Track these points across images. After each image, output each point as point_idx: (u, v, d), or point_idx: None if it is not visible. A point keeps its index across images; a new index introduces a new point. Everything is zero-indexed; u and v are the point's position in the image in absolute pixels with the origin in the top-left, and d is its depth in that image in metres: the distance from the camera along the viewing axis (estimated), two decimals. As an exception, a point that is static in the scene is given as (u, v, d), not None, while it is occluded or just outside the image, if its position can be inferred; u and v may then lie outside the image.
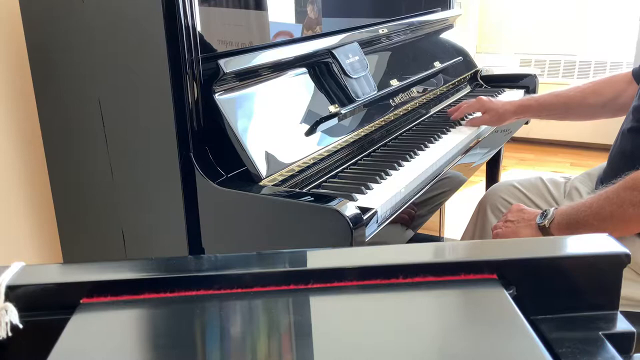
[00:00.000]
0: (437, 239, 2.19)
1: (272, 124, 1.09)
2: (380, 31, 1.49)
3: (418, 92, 1.58)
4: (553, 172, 3.17)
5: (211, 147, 1.02)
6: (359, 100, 1.28)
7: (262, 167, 1.00)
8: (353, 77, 1.30)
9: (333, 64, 1.28)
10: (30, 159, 1.27)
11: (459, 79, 1.84)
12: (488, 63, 3.66)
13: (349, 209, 0.89)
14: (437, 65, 1.68)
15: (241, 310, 0.46)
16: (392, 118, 1.44)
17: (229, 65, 1.01)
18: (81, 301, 0.47)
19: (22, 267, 0.49)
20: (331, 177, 1.15)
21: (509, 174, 3.14)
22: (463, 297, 0.48)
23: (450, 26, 1.95)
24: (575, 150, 3.61)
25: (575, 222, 1.06)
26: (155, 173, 1.05)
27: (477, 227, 1.49)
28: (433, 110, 1.64)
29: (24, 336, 0.46)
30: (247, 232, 0.99)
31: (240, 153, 1.00)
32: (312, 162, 1.12)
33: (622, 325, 0.48)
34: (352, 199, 1.01)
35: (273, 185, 1.01)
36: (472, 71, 1.93)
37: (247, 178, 1.00)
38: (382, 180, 1.11)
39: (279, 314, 0.46)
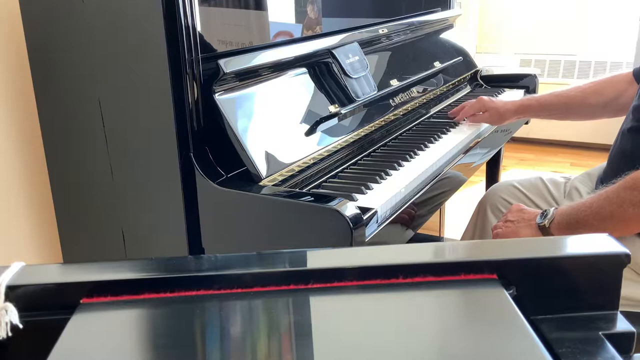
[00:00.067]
0: (437, 239, 2.19)
1: (272, 124, 1.09)
2: (380, 31, 1.49)
3: (418, 92, 1.58)
4: (553, 172, 3.17)
5: (211, 147, 1.02)
6: (359, 100, 1.28)
7: (262, 167, 1.00)
8: (353, 77, 1.30)
9: (333, 64, 1.28)
10: (30, 159, 1.27)
11: (459, 79, 1.84)
12: (488, 63, 3.66)
13: (349, 209, 0.89)
14: (437, 65, 1.68)
15: (241, 310, 0.46)
16: (392, 118, 1.44)
17: (229, 65, 1.01)
18: (81, 301, 0.47)
19: (22, 267, 0.49)
20: (331, 177, 1.15)
21: (509, 174, 3.14)
22: (463, 297, 0.48)
23: (450, 26, 1.95)
24: (575, 150, 3.61)
25: (575, 222, 1.06)
26: (155, 173, 1.05)
27: (477, 227, 1.49)
28: (433, 110, 1.64)
29: (24, 336, 0.46)
30: (247, 232, 0.99)
31: (240, 153, 1.00)
32: (312, 162, 1.12)
33: (622, 325, 0.48)
34: (352, 199, 1.01)
35: (273, 185, 1.01)
36: (472, 71, 1.93)
37: (247, 178, 1.00)
38: (382, 180, 1.11)
39: (279, 314, 0.46)
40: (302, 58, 1.20)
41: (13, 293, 0.47)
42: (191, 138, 1.00)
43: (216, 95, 1.00)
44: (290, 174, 1.07)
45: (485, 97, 1.53)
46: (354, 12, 1.48)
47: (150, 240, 1.13)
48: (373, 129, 1.35)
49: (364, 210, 0.95)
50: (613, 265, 0.49)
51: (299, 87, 1.19)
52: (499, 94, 1.83)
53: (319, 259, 0.53)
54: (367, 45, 1.43)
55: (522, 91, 1.90)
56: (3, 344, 0.46)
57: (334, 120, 1.21)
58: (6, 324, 0.45)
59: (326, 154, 1.17)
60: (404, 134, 1.44)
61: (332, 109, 1.21)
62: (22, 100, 1.24)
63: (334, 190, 1.08)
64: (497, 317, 0.45)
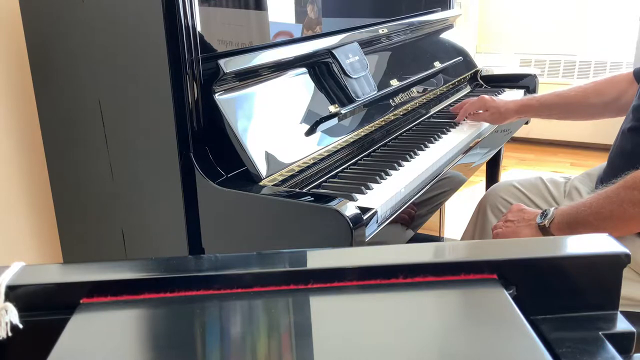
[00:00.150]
0: (437, 239, 2.19)
1: (272, 124, 1.09)
2: (380, 31, 1.49)
3: (418, 92, 1.58)
4: (553, 172, 3.17)
5: (211, 147, 1.02)
6: (359, 100, 1.28)
7: (262, 167, 1.00)
8: (353, 77, 1.30)
9: (333, 64, 1.28)
10: (30, 159, 1.27)
11: (459, 79, 1.84)
12: (488, 63, 3.65)
13: (349, 209, 0.89)
14: (437, 65, 1.68)
15: (241, 310, 0.46)
16: (392, 118, 1.44)
17: (229, 65, 1.01)
18: (81, 301, 0.47)
19: (22, 267, 0.49)
20: (331, 177, 1.15)
21: (509, 174, 3.14)
22: (463, 297, 0.48)
23: (450, 26, 1.95)
24: (575, 150, 3.61)
25: (575, 222, 1.06)
26: (155, 173, 1.05)
27: (477, 227, 1.49)
28: (433, 110, 1.64)
29: (24, 336, 0.46)
30: (247, 232, 0.99)
31: (240, 153, 1.00)
32: (312, 162, 1.12)
33: (622, 325, 0.48)
34: (352, 199, 1.01)
35: (273, 185, 1.01)
36: (472, 71, 1.93)
37: (247, 178, 1.00)
38: (382, 180, 1.11)
39: (279, 314, 0.46)
40: (302, 58, 1.20)
41: (13, 293, 0.47)
42: (191, 138, 1.00)
43: (216, 95, 1.00)
44: (290, 174, 1.07)
45: (486, 96, 1.54)
46: (354, 12, 1.48)
47: (150, 240, 1.13)
48: (373, 129, 1.35)
49: (364, 210, 0.95)
50: (613, 265, 0.49)
51: (299, 87, 1.19)
52: (499, 93, 1.83)
53: (319, 259, 0.53)
54: (367, 45, 1.43)
55: (522, 91, 1.90)
56: (3, 344, 0.46)
57: (334, 120, 1.21)
58: (6, 324, 0.45)
59: (326, 154, 1.17)
60: (404, 134, 1.44)
61: (332, 109, 1.21)
62: (22, 100, 1.24)
63: (334, 190, 1.08)
64: (497, 317, 0.45)
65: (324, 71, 1.26)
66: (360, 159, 1.25)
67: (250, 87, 1.08)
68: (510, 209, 1.20)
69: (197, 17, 0.96)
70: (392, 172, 1.16)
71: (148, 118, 1.02)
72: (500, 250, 0.52)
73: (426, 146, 1.33)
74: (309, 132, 1.13)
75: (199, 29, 0.97)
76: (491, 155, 1.73)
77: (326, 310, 0.47)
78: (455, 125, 1.51)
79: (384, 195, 1.05)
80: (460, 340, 0.43)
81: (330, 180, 1.13)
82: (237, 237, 1.00)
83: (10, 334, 0.45)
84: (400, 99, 1.48)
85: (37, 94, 1.16)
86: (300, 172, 1.10)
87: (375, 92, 1.35)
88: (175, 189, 1.02)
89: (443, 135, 1.42)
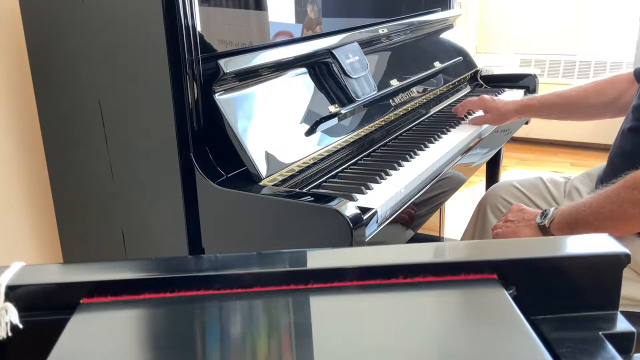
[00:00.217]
0: (437, 239, 2.19)
1: (272, 124, 1.09)
2: (380, 31, 1.49)
3: (418, 92, 1.58)
4: (553, 172, 3.17)
5: (211, 147, 1.02)
6: (359, 100, 1.28)
7: (262, 167, 1.00)
8: (353, 77, 1.30)
9: (333, 64, 1.28)
10: (30, 159, 1.27)
11: (459, 79, 1.84)
12: (488, 63, 3.66)
13: (349, 209, 0.89)
14: (437, 65, 1.68)
15: (241, 310, 0.46)
16: (392, 118, 1.44)
17: (229, 65, 1.01)
18: (81, 301, 0.47)
19: (22, 267, 0.49)
20: (331, 177, 1.15)
21: (509, 174, 3.14)
22: (463, 297, 0.48)
23: (450, 26, 1.95)
24: (575, 150, 3.61)
25: (575, 222, 1.06)
26: (155, 173, 1.05)
27: (477, 227, 1.49)
28: (433, 110, 1.64)
29: (24, 336, 0.46)
30: (247, 232, 0.99)
31: (240, 153, 1.00)
32: (312, 162, 1.12)
33: (622, 325, 0.48)
34: (352, 199, 1.01)
35: (273, 185, 1.01)
36: (472, 71, 1.93)
37: (247, 178, 1.00)
38: (382, 180, 1.11)
39: (279, 314, 0.46)
40: (302, 58, 1.20)
41: (13, 293, 0.47)
42: (191, 138, 1.00)
43: (216, 95, 1.00)
44: (290, 174, 1.07)
45: (486, 96, 1.54)
46: (354, 12, 1.48)
47: (150, 240, 1.13)
48: (373, 129, 1.35)
49: (364, 210, 0.95)
50: (613, 265, 0.49)
51: (299, 87, 1.19)
52: (499, 93, 1.83)
53: (319, 259, 0.53)
54: (367, 45, 1.43)
55: (522, 91, 1.90)
56: (3, 344, 0.46)
57: (334, 120, 1.21)
58: (6, 324, 0.45)
59: (326, 154, 1.17)
60: (404, 134, 1.44)
61: (332, 109, 1.21)
62: (22, 100, 1.24)
63: (334, 190, 1.08)
64: (497, 317, 0.45)
65: (324, 71, 1.26)
66: (360, 159, 1.25)
67: (250, 87, 1.08)
68: (510, 209, 1.20)
69: (197, 17, 0.96)
70: (392, 172, 1.16)
71: (148, 118, 1.02)
72: (500, 250, 0.52)
73: (426, 146, 1.33)
74: (309, 132, 1.13)
75: (199, 29, 0.97)
76: (491, 155, 1.73)
77: (326, 310, 0.47)
78: (455, 125, 1.51)
79: (384, 195, 1.05)
80: (460, 340, 0.43)
81: (330, 180, 1.13)
82: (237, 237, 1.00)
83: (10, 334, 0.45)
84: (400, 99, 1.48)
85: (37, 94, 1.16)
86: (300, 172, 1.10)
87: (375, 92, 1.35)
88: (175, 189, 1.02)
89: (443, 135, 1.42)
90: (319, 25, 1.30)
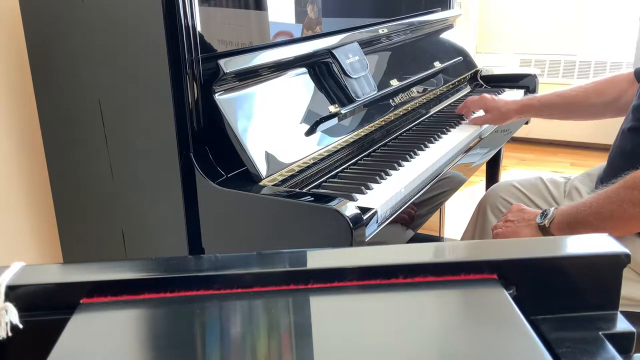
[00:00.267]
0: (437, 239, 2.19)
1: (272, 124, 1.09)
2: (380, 31, 1.49)
3: (418, 92, 1.58)
4: (553, 172, 3.17)
5: (211, 147, 1.02)
6: (359, 100, 1.28)
7: (262, 167, 1.00)
8: (353, 77, 1.30)
9: (333, 64, 1.28)
10: (30, 159, 1.27)
11: (459, 79, 1.84)
12: (488, 63, 3.66)
13: (349, 209, 0.89)
14: (437, 65, 1.68)
15: (241, 310, 0.46)
16: (392, 118, 1.44)
17: (229, 65, 1.01)
18: (81, 301, 0.47)
19: (22, 267, 0.49)
20: (331, 177, 1.15)
21: (509, 174, 3.14)
22: (463, 297, 0.48)
23: (450, 26, 1.95)
24: (575, 150, 3.61)
25: (575, 222, 1.06)
26: (155, 173, 1.05)
27: (477, 227, 1.49)
28: (433, 110, 1.64)
29: (24, 336, 0.46)
30: (247, 232, 0.99)
31: (240, 153, 1.00)
32: (312, 162, 1.12)
33: (622, 325, 0.48)
34: (352, 199, 1.01)
35: (273, 185, 1.01)
36: (472, 71, 1.93)
37: (247, 178, 1.00)
38: (382, 180, 1.11)
39: (279, 314, 0.46)
40: (302, 58, 1.20)
41: (13, 293, 0.47)
42: (191, 138, 1.00)
43: (216, 95, 1.00)
44: (290, 174, 1.07)
45: (487, 95, 1.54)
46: (354, 12, 1.48)
47: (150, 240, 1.13)
48: (373, 129, 1.35)
49: (364, 210, 0.95)
50: (613, 265, 0.49)
51: (299, 87, 1.19)
52: (499, 93, 1.83)
53: (319, 259, 0.53)
54: (367, 45, 1.43)
55: (522, 91, 1.90)
56: (3, 344, 0.46)
57: (334, 120, 1.21)
58: (6, 324, 0.45)
59: (326, 154, 1.17)
60: (404, 134, 1.44)
61: (332, 109, 1.21)
62: (22, 100, 1.24)
63: (334, 190, 1.08)
64: (497, 317, 0.45)
65: (324, 71, 1.26)
66: (360, 159, 1.25)
67: (250, 87, 1.08)
68: (510, 209, 1.20)
69: (197, 17, 0.96)
70: (392, 172, 1.16)
71: (148, 118, 1.02)
72: (500, 250, 0.52)
73: (426, 146, 1.33)
74: (309, 132, 1.13)
75: (199, 29, 0.97)
76: (491, 155, 1.73)
77: (326, 310, 0.47)
78: (455, 125, 1.51)
79: (384, 195, 1.05)
80: (460, 340, 0.43)
81: (330, 180, 1.13)
82: (237, 237, 1.00)
83: (10, 334, 0.45)
84: (400, 99, 1.48)
85: (37, 94, 1.16)
86: (300, 172, 1.10)
87: (375, 92, 1.35)
88: (175, 189, 1.02)
89: (443, 135, 1.42)
90: (319, 25, 1.30)
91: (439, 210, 2.08)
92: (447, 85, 1.76)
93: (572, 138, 3.64)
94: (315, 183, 1.11)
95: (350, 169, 1.20)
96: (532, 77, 1.93)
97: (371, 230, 0.97)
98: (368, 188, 1.07)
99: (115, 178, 1.11)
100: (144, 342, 0.44)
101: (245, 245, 1.00)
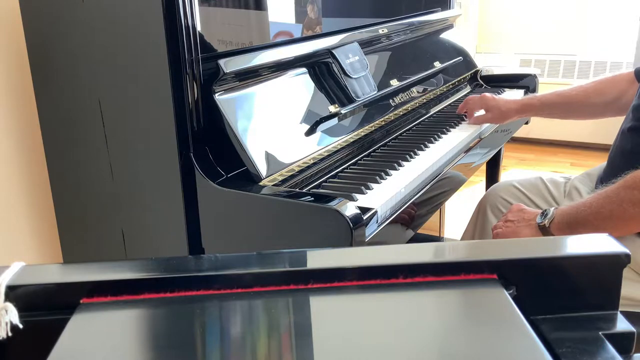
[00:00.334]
0: (437, 239, 2.19)
1: (272, 124, 1.09)
2: (380, 31, 1.49)
3: (418, 92, 1.58)
4: (553, 172, 3.17)
5: (211, 147, 1.02)
6: (359, 100, 1.28)
7: (262, 167, 1.00)
8: (353, 77, 1.30)
9: (333, 64, 1.28)
10: (30, 159, 1.27)
11: (459, 79, 1.84)
12: (488, 63, 3.65)
13: (349, 209, 0.89)
14: (437, 65, 1.68)
15: (241, 310, 0.46)
16: (392, 118, 1.44)
17: (229, 65, 1.01)
18: (81, 301, 0.47)
19: (22, 267, 0.49)
20: (331, 177, 1.15)
21: (509, 174, 3.14)
22: (463, 297, 0.48)
23: (450, 26, 1.95)
24: (575, 150, 3.61)
25: (575, 222, 1.06)
26: (155, 173, 1.05)
27: (477, 227, 1.49)
28: (433, 110, 1.64)
29: (24, 336, 0.46)
30: (247, 232, 0.99)
31: (240, 153, 1.00)
32: (312, 162, 1.12)
33: (622, 325, 0.48)
34: (352, 199, 1.01)
35: (273, 185, 1.01)
36: (472, 71, 1.93)
37: (247, 178, 1.00)
38: (382, 180, 1.11)
39: (279, 314, 0.46)
40: (302, 58, 1.20)
41: (13, 293, 0.47)
42: (191, 138, 1.00)
43: (216, 95, 1.00)
44: (290, 174, 1.07)
45: (488, 95, 1.54)
46: (354, 12, 1.48)
47: (150, 240, 1.13)
48: (373, 129, 1.35)
49: (364, 210, 0.95)
50: (613, 265, 0.49)
51: (299, 87, 1.19)
52: (499, 93, 1.83)
53: (319, 259, 0.53)
54: (367, 45, 1.43)
55: (522, 91, 1.90)
56: (3, 344, 0.46)
57: (334, 120, 1.21)
58: (6, 324, 0.45)
59: (326, 154, 1.17)
60: (404, 134, 1.44)
61: (332, 109, 1.21)
62: (22, 100, 1.24)
63: (334, 190, 1.08)
64: (497, 317, 0.45)
65: (324, 71, 1.26)
66: (360, 159, 1.25)
67: (250, 87, 1.08)
68: (510, 209, 1.20)
69: (197, 17, 0.96)
70: (392, 172, 1.16)
71: (148, 118, 1.02)
72: (500, 250, 0.52)
73: (426, 146, 1.33)
74: (309, 132, 1.13)
75: (199, 29, 0.97)
76: (491, 155, 1.73)
77: (326, 310, 0.47)
78: (455, 125, 1.51)
79: (384, 195, 1.05)
80: (460, 340, 0.43)
81: (330, 180, 1.13)
82: (237, 237, 1.00)
83: (10, 334, 0.45)
84: (400, 99, 1.48)
85: (37, 94, 1.16)
86: (300, 172, 1.10)
87: (375, 92, 1.35)
88: (175, 189, 1.02)
89: (443, 135, 1.42)
90: (319, 25, 1.30)
91: (439, 210, 2.08)
92: (447, 85, 1.76)
93: (572, 138, 3.64)
94: (315, 183, 1.11)
95: (350, 169, 1.20)
96: (532, 77, 1.93)
97: (371, 230, 0.97)
98: (368, 188, 1.07)
99: (115, 178, 1.11)
100: (144, 342, 0.44)
101: (245, 245, 1.00)
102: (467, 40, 3.53)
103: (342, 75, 1.28)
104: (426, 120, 1.57)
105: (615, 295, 0.49)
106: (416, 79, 1.54)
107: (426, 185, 1.17)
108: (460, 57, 1.85)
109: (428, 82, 1.65)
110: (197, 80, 0.98)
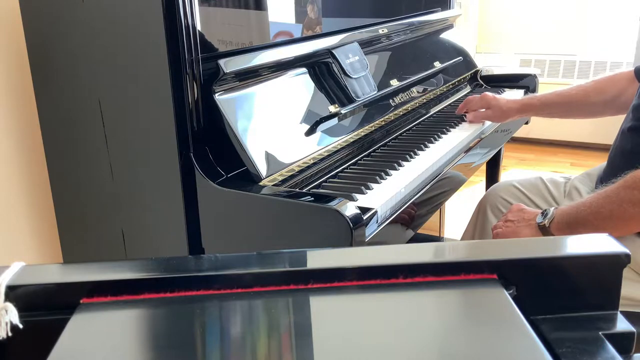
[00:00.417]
0: (437, 239, 2.19)
1: (272, 124, 1.09)
2: (380, 31, 1.49)
3: (418, 92, 1.58)
4: (553, 172, 3.17)
5: (211, 147, 1.02)
6: (359, 100, 1.28)
7: (262, 167, 1.00)
8: (353, 77, 1.30)
9: (333, 64, 1.28)
10: (30, 159, 1.27)
11: (459, 79, 1.84)
12: (488, 63, 3.65)
13: (349, 209, 0.89)
14: (437, 65, 1.68)
15: (241, 310, 0.46)
16: (392, 118, 1.44)
17: (229, 65, 1.01)
18: (81, 301, 0.47)
19: (22, 267, 0.49)
20: (331, 177, 1.15)
21: (509, 174, 3.14)
22: (463, 297, 0.48)
23: (450, 26, 1.95)
24: (575, 150, 3.61)
25: (575, 222, 1.06)
26: (155, 173, 1.05)
27: (477, 227, 1.49)
28: (433, 110, 1.64)
29: (24, 336, 0.46)
30: (247, 232, 0.99)
31: (240, 153, 1.00)
32: (312, 162, 1.12)
33: (622, 325, 0.48)
34: (352, 199, 1.01)
35: (273, 185, 1.01)
36: (472, 71, 1.93)
37: (247, 178, 1.00)
38: (382, 180, 1.11)
39: (279, 314, 0.46)
40: (302, 58, 1.20)
41: (13, 293, 0.47)
42: (191, 138, 1.00)
43: (216, 95, 1.00)
44: (290, 174, 1.07)
45: (489, 94, 1.54)
46: (354, 12, 1.48)
47: (150, 240, 1.13)
48: (373, 129, 1.35)
49: (364, 210, 0.95)
50: (613, 265, 0.49)
51: (299, 87, 1.19)
52: (499, 93, 1.83)
53: (319, 259, 0.53)
54: (367, 45, 1.43)
55: (522, 91, 1.90)
56: (3, 344, 0.46)
57: (334, 120, 1.21)
58: (6, 324, 0.45)
59: (326, 154, 1.17)
60: (404, 133, 1.44)
61: (332, 109, 1.21)
62: (22, 100, 1.24)
63: (334, 190, 1.08)
64: (497, 317, 0.45)
65: (324, 71, 1.26)
66: (360, 159, 1.25)
67: (250, 87, 1.08)
68: (510, 209, 1.20)
69: (197, 17, 0.96)
70: (392, 172, 1.16)
71: (148, 118, 1.02)
72: (500, 250, 0.52)
73: (426, 146, 1.33)
74: (309, 132, 1.13)
75: (199, 29, 0.97)
76: (491, 155, 1.73)
77: (326, 310, 0.47)
78: (455, 125, 1.51)
79: (384, 195, 1.05)
80: (460, 340, 0.43)
81: (330, 180, 1.13)
82: (237, 237, 1.00)
83: (10, 334, 0.45)
84: (400, 99, 1.48)
85: (37, 94, 1.16)
86: (300, 172, 1.10)
87: (375, 92, 1.35)
88: (175, 189, 1.02)
89: (443, 135, 1.42)
90: (319, 25, 1.30)
91: (439, 210, 2.08)
92: (447, 85, 1.76)
93: (572, 138, 3.64)
94: (315, 183, 1.11)
95: (350, 169, 1.20)
96: (532, 77, 1.93)
97: (371, 230, 0.97)
98: (368, 188, 1.07)
99: (115, 178, 1.11)
100: (144, 342, 0.44)
101: (245, 245, 1.00)
102: (467, 40, 3.53)
103: (342, 75, 1.28)
104: (426, 120, 1.57)
105: (615, 295, 0.49)
106: (416, 79, 1.54)
107: (426, 185, 1.17)
108: (460, 57, 1.85)
109: (428, 82, 1.65)
110: (197, 80, 0.98)
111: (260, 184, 0.99)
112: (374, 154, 1.29)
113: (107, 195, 1.14)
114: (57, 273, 0.52)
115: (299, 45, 1.20)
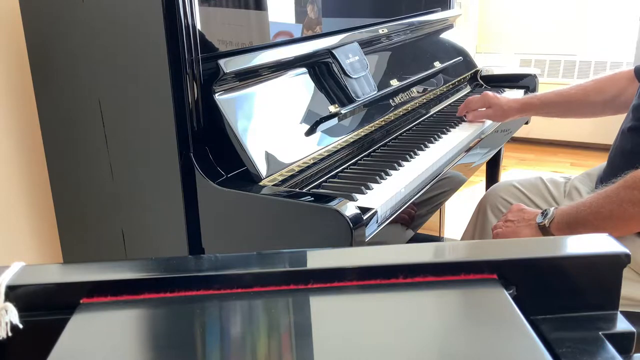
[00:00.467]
0: (437, 239, 2.19)
1: (272, 124, 1.09)
2: (380, 31, 1.49)
3: (418, 92, 1.58)
4: (553, 172, 3.17)
5: (211, 147, 1.02)
6: (359, 100, 1.28)
7: (262, 167, 1.00)
8: (353, 77, 1.30)
9: (333, 64, 1.28)
10: (30, 159, 1.27)
11: (459, 79, 1.84)
12: (488, 63, 3.65)
13: (349, 209, 0.89)
14: (437, 65, 1.68)
15: (241, 310, 0.46)
16: (392, 118, 1.44)
17: (229, 65, 1.01)
18: (81, 301, 0.47)
19: (22, 267, 0.49)
20: (331, 177, 1.15)
21: (509, 174, 3.14)
22: (463, 297, 0.48)
23: (450, 26, 1.95)
24: (575, 150, 3.61)
25: (575, 222, 1.06)
26: (155, 173, 1.05)
27: (477, 227, 1.49)
28: (433, 110, 1.64)
29: (24, 336, 0.46)
30: (247, 232, 0.99)
31: (240, 153, 1.00)
32: (312, 162, 1.12)
33: (622, 325, 0.48)
34: (352, 199, 1.01)
35: (273, 185, 1.01)
36: (472, 71, 1.93)
37: (247, 178, 1.00)
38: (382, 180, 1.11)
39: (279, 314, 0.46)
40: (302, 58, 1.20)
41: (13, 293, 0.47)
42: (191, 138, 1.00)
43: (216, 95, 1.00)
44: (290, 174, 1.07)
45: (490, 93, 1.54)
46: (354, 12, 1.48)
47: (150, 240, 1.13)
48: (373, 129, 1.35)
49: (364, 210, 0.95)
50: (613, 265, 0.49)
51: (299, 87, 1.19)
52: (500, 93, 1.83)
53: (319, 259, 0.53)
54: (367, 45, 1.43)
55: (522, 91, 1.90)
56: (3, 344, 0.46)
57: (334, 120, 1.21)
58: (6, 324, 0.45)
59: (326, 154, 1.17)
60: (404, 133, 1.44)
61: (332, 109, 1.21)
62: (22, 100, 1.24)
63: (334, 190, 1.08)
64: (497, 317, 0.45)
65: (324, 71, 1.26)
66: (360, 159, 1.25)
67: (250, 87, 1.08)
68: (510, 209, 1.20)
69: (197, 17, 0.96)
70: (392, 172, 1.16)
71: (148, 118, 1.02)
72: (500, 250, 0.52)
73: (426, 146, 1.33)
74: (309, 132, 1.13)
75: (199, 28, 0.97)
76: (491, 155, 1.73)
77: (326, 310, 0.47)
78: (455, 125, 1.51)
79: (384, 195, 1.05)
80: (460, 340, 0.43)
81: (330, 180, 1.13)
82: (237, 237, 1.00)
83: (10, 334, 0.45)
84: (400, 99, 1.48)
85: (37, 94, 1.16)
86: (300, 172, 1.10)
87: (375, 92, 1.35)
88: (175, 189, 1.02)
89: (443, 135, 1.42)
90: (319, 25, 1.30)
91: (439, 210, 2.08)
92: (447, 85, 1.76)
93: (572, 138, 3.64)
94: (315, 183, 1.11)
95: (350, 169, 1.20)
96: (532, 77, 1.93)
97: (371, 230, 0.97)
98: (368, 188, 1.07)
99: (115, 178, 1.11)
100: (144, 342, 0.44)
101: (245, 245, 1.00)
102: (467, 40, 3.53)
103: (342, 75, 1.28)
104: (426, 120, 1.57)
105: (615, 295, 0.50)
106: (416, 79, 1.54)
107: (426, 185, 1.17)
108: (460, 57, 1.85)
109: (428, 82, 1.65)
110: (197, 80, 0.98)
111: (260, 184, 0.99)
112: (374, 154, 1.29)
113: (107, 195, 1.14)
114: (57, 273, 0.52)
115: (299, 45, 1.20)
